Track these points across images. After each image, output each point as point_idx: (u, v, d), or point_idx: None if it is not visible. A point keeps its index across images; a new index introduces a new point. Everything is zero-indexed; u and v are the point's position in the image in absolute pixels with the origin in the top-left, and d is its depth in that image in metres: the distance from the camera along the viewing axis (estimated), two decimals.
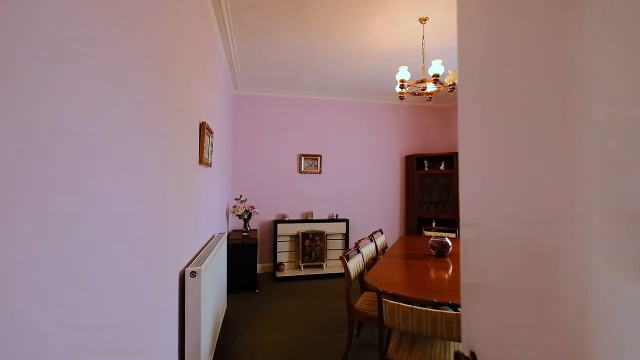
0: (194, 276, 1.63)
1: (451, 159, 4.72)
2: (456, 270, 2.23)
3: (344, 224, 4.73)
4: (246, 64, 3.70)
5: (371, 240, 3.21)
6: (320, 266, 4.59)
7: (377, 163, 5.09)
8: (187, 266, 1.71)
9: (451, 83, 2.52)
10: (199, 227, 2.16)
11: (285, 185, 4.70)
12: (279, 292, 3.74)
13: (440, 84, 2.45)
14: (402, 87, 2.55)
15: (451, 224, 4.68)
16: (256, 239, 3.78)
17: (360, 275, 2.61)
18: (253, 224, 4.51)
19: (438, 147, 5.32)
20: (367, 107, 5.06)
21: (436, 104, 5.33)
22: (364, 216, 4.98)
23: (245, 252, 3.66)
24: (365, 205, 5.00)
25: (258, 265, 4.57)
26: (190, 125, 1.89)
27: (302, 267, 4.50)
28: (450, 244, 2.64)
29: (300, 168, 4.74)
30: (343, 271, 4.48)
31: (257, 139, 4.62)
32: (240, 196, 4.00)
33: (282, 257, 4.54)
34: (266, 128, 4.65)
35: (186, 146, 1.82)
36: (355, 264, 2.53)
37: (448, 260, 2.56)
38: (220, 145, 3.17)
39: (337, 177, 4.90)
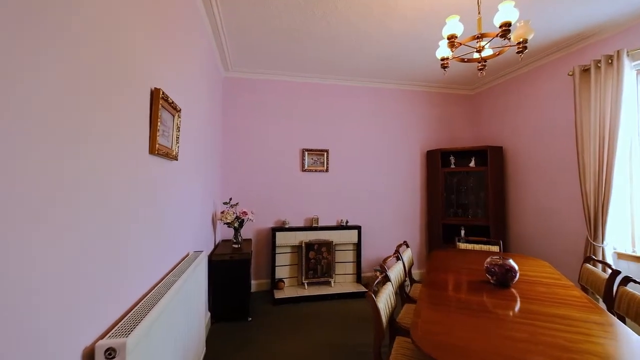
0: (112, 358, 0.87)
1: (483, 154, 3.96)
2: (541, 316, 1.47)
3: (356, 232, 3.97)
4: (236, 37, 2.94)
5: (397, 259, 2.45)
6: (328, 283, 3.83)
7: (394, 159, 4.32)
8: (110, 334, 0.95)
9: (521, 40, 1.76)
10: (154, 251, 1.40)
11: (286, 186, 3.94)
12: (277, 321, 2.98)
13: (508, 39, 1.69)
14: (452, 44, 1.79)
15: (484, 232, 3.91)
16: (250, 252, 3.03)
17: (391, 313, 1.85)
18: (246, 232, 3.75)
19: (464, 140, 4.55)
20: (383, 93, 4.29)
21: (462, 89, 4.55)
22: (379, 223, 4.22)
23: (234, 270, 2.90)
24: (381, 210, 4.23)
25: (253, 282, 3.81)
26: (131, 90, 1.13)
27: (305, 284, 3.74)
28: (516, 267, 1.87)
29: (303, 165, 3.98)
30: (355, 290, 3.80)
31: (253, 130, 3.86)
32: (230, 200, 3.25)
33: (281, 272, 3.78)
34: (263, 118, 3.89)
35: (123, 123, 1.07)
36: (385, 300, 1.77)
37: (514, 292, 1.80)
38: (199, 134, 2.41)
39: (346, 176, 4.13)
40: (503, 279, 1.87)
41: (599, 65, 2.83)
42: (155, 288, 1.37)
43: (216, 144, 3.35)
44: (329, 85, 4.10)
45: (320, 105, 4.07)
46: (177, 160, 1.71)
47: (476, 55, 1.95)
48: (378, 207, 4.22)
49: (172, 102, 1.58)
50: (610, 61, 2.74)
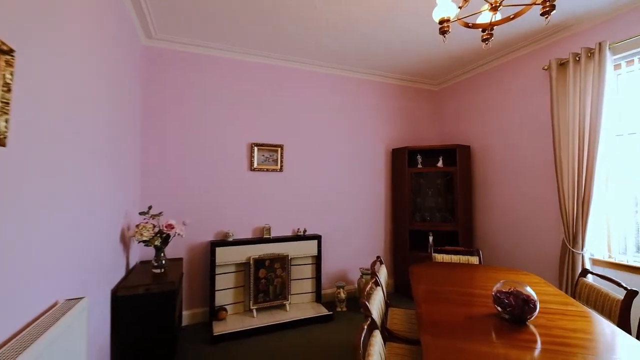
0: None
1: (451, 154, 3.65)
2: None
3: (315, 242, 3.36)
4: None
5: (376, 284, 1.89)
6: (282, 307, 3.15)
7: (357, 158, 3.81)
8: None
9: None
10: None
11: (230, 189, 3.17)
12: None
13: None
14: None
15: (453, 238, 3.61)
16: (177, 279, 2.23)
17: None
18: (176, 249, 2.90)
19: (429, 138, 4.25)
20: (346, 82, 3.76)
21: (426, 84, 4.25)
22: (341, 231, 3.67)
23: (153, 306, 2.07)
24: (343, 216, 3.69)
25: (185, 313, 2.97)
26: None
27: (254, 310, 3.01)
28: (535, 296, 1.43)
29: (252, 164, 3.25)
30: (316, 314, 3.08)
31: (186, 118, 3.02)
32: (149, 208, 2.40)
33: (223, 298, 3.01)
34: (200, 102, 3.08)
35: None
36: (378, 309, 1.19)
37: (534, 330, 1.36)
38: (86, 111, 1.58)
39: (305, 176, 3.51)
40: (520, 312, 1.42)
41: (577, 58, 2.63)
42: None
43: (130, 133, 2.47)
44: (286, 69, 3.44)
45: (274, 92, 3.39)
46: (4, 146, 0.91)
47: (485, 16, 1.47)
48: (340, 212, 3.67)
49: None
50: (590, 54, 2.54)
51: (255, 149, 3.27)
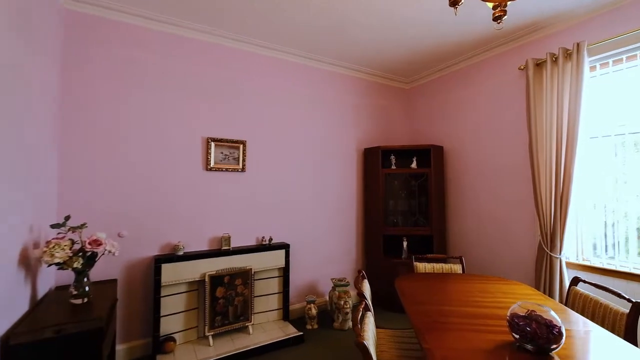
0: None
1: (425, 154, 3.50)
2: None
3: (282, 252, 2.97)
4: None
5: (366, 309, 1.57)
6: (244, 329, 2.71)
7: (329, 157, 3.49)
8: None
9: None
10: None
11: (181, 193, 2.64)
12: None
13: None
14: None
15: (427, 243, 3.45)
16: (108, 309, 1.70)
17: None
18: (109, 269, 2.31)
19: (400, 138, 4.08)
20: (316, 74, 3.42)
21: (398, 81, 4.08)
22: (310, 237, 3.31)
23: (68, 353, 1.52)
24: (312, 221, 3.34)
25: (119, 347, 2.38)
26: None
27: (210, 337, 2.52)
28: (559, 321, 1.21)
29: (208, 162, 2.76)
30: (284, 336, 2.42)
31: (122, 107, 2.44)
32: (66, 219, 1.80)
33: (171, 325, 2.47)
34: (142, 86, 2.51)
35: None
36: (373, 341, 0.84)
37: None
38: None
39: (270, 178, 3.09)
40: (545, 342, 1.19)
41: (554, 58, 2.59)
42: None
43: (41, 124, 1.86)
44: (250, 54, 2.99)
45: (236, 79, 2.92)
46: None
47: None
48: (309, 217, 3.31)
49: None
50: (567, 55, 2.51)
51: (213, 144, 2.77)
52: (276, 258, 2.92)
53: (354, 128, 3.68)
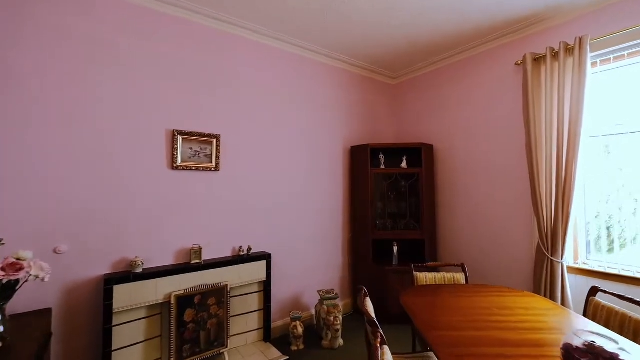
0: None
1: (415, 153, 3.28)
2: None
3: (263, 263, 2.59)
4: None
5: (382, 343, 1.25)
6: (219, 357, 2.29)
7: (313, 155, 3.16)
8: None
9: None
10: None
11: (139, 197, 2.17)
12: None
13: None
14: None
15: (419, 248, 3.23)
16: (35, 352, 1.24)
17: None
18: (40, 295, 1.80)
19: (388, 136, 3.85)
20: (300, 63, 3.07)
21: (384, 76, 3.85)
22: (293, 245, 2.95)
23: None
24: (295, 227, 2.98)
25: None
26: None
27: None
28: (622, 357, 0.98)
29: (174, 160, 2.31)
30: None
31: (63, 88, 1.93)
32: None
33: (127, 358, 2.00)
34: (94, 63, 2.01)
35: None
36: None
37: None
38: None
39: (247, 178, 2.69)
40: None
41: (554, 53, 2.47)
42: None
43: None
44: (228, 36, 2.58)
45: (209, 64, 2.49)
46: None
47: None
48: (292, 222, 2.96)
49: None
50: (568, 50, 2.39)
51: (180, 138, 2.33)
52: (256, 270, 2.54)
53: (340, 124, 3.38)
